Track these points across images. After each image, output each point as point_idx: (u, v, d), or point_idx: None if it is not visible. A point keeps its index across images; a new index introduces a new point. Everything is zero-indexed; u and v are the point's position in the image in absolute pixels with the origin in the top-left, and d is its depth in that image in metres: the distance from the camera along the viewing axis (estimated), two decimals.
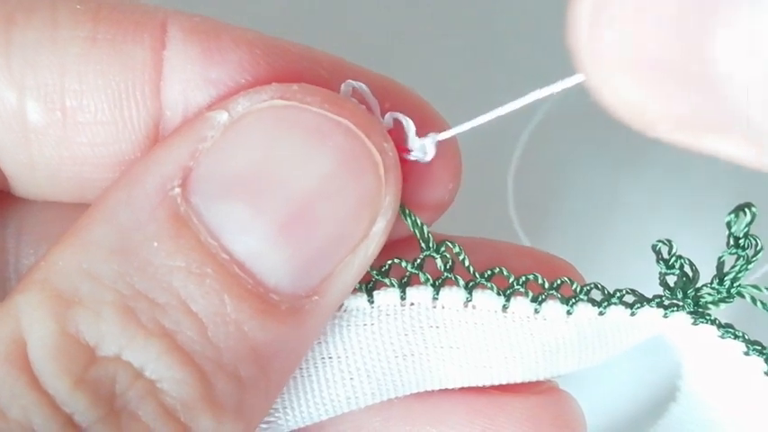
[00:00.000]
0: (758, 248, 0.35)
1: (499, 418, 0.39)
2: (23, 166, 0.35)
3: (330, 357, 0.37)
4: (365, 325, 0.37)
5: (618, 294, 0.37)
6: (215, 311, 0.32)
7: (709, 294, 0.36)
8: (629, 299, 0.37)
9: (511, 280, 0.37)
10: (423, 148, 0.36)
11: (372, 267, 0.36)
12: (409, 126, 0.35)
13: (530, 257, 0.40)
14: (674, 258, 0.36)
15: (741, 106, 0.22)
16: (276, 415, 0.38)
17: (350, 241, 0.33)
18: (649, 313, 0.37)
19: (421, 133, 0.36)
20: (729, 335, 0.38)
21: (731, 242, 0.35)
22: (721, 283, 0.36)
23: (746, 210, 0.34)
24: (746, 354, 0.38)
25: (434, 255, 0.37)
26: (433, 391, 0.39)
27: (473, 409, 0.40)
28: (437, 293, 0.37)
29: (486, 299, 0.37)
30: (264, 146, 0.32)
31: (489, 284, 0.37)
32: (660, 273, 0.37)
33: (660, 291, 0.38)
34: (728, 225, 0.35)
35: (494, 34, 0.67)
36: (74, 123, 0.34)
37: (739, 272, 0.36)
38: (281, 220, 0.32)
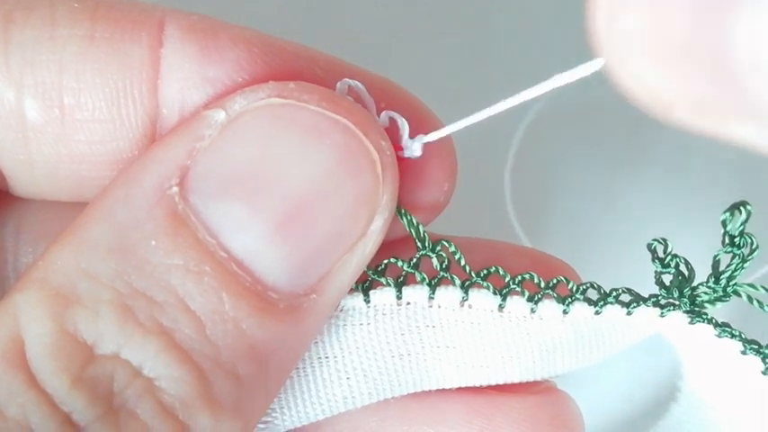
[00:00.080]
0: (754, 247, 0.35)
1: (497, 418, 0.40)
2: (22, 165, 0.36)
3: (327, 357, 0.38)
4: (361, 324, 0.38)
5: (614, 294, 0.38)
6: (213, 309, 0.32)
7: (706, 293, 0.37)
8: (626, 298, 0.38)
9: (507, 279, 0.37)
10: (412, 148, 0.36)
11: (368, 267, 0.36)
12: (403, 126, 0.36)
13: (526, 257, 0.40)
14: (669, 257, 0.36)
15: (760, 92, 0.22)
16: (273, 415, 0.38)
17: (348, 239, 0.34)
18: (646, 312, 0.38)
19: (416, 133, 0.36)
20: (726, 334, 0.38)
21: (727, 241, 0.35)
22: (717, 281, 0.36)
23: (742, 208, 0.34)
24: (744, 353, 0.38)
25: (430, 254, 0.37)
26: (430, 390, 0.40)
27: (471, 408, 0.40)
28: (433, 293, 0.37)
29: (483, 298, 0.37)
30: (262, 144, 0.33)
31: (485, 284, 0.37)
32: (656, 272, 0.37)
33: (656, 290, 0.38)
34: (724, 223, 0.35)
35: (491, 33, 0.67)
36: (72, 121, 0.35)
37: (735, 270, 0.36)
38: (278, 218, 0.33)
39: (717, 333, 0.38)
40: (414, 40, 0.67)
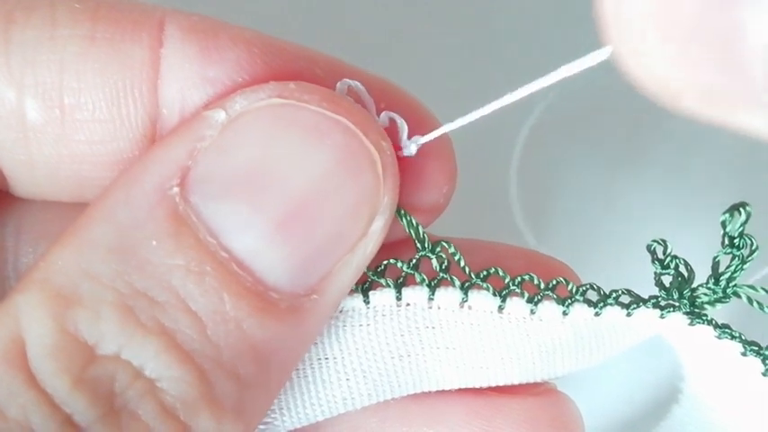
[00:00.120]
0: (753, 248, 0.36)
1: (497, 420, 0.40)
2: (23, 165, 0.36)
3: (326, 358, 0.38)
4: (361, 326, 0.38)
5: (614, 295, 0.38)
6: (214, 309, 0.32)
7: (705, 294, 0.37)
8: (626, 299, 0.38)
9: (507, 280, 0.37)
10: (410, 149, 0.36)
11: (368, 268, 0.36)
12: (402, 126, 0.36)
13: (526, 258, 0.40)
14: (668, 258, 0.36)
15: None
16: (273, 416, 0.38)
17: (348, 240, 0.34)
18: (646, 314, 0.38)
19: (415, 134, 0.36)
20: (726, 335, 0.38)
21: (726, 242, 0.35)
22: (717, 283, 0.37)
23: (741, 209, 0.34)
24: (744, 354, 0.38)
25: (430, 255, 0.37)
26: (429, 392, 0.40)
27: (470, 410, 0.40)
28: (433, 294, 0.37)
29: (482, 299, 0.37)
30: (262, 144, 0.33)
31: (485, 285, 0.37)
32: (655, 273, 0.37)
33: (656, 291, 0.38)
34: (723, 225, 0.35)
35: (491, 33, 0.67)
36: (72, 121, 0.35)
37: (735, 272, 0.36)
38: (279, 218, 0.33)
39: (717, 334, 0.38)
40: (414, 40, 0.67)
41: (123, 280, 0.32)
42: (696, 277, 0.37)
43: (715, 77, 0.22)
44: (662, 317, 0.38)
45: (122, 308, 0.32)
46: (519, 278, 0.37)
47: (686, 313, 0.38)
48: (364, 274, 0.36)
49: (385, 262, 0.37)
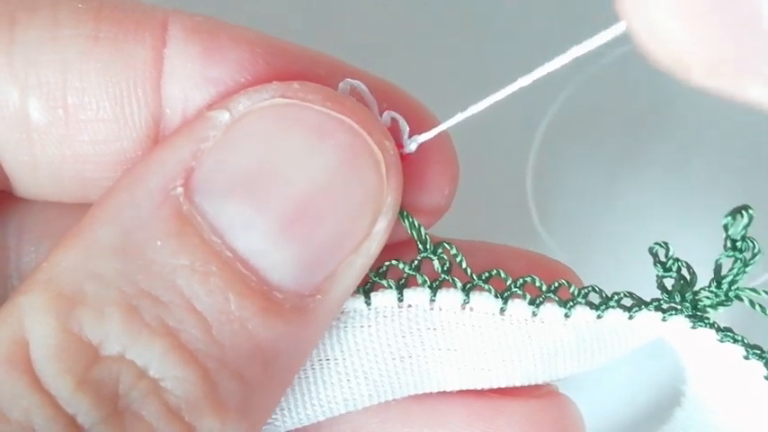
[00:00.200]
0: (755, 251, 0.36)
1: (498, 422, 0.40)
2: (26, 166, 0.36)
3: (327, 359, 0.38)
4: (362, 327, 0.38)
5: (616, 298, 0.38)
6: (219, 309, 0.32)
7: (708, 298, 0.37)
8: (628, 302, 0.38)
9: (508, 282, 0.37)
10: (410, 148, 0.36)
11: (370, 269, 0.36)
12: (404, 126, 0.36)
13: (528, 260, 0.40)
14: (671, 261, 0.36)
15: None
16: (274, 416, 0.38)
17: (352, 239, 0.34)
18: (648, 317, 0.38)
19: (416, 134, 0.36)
20: (729, 339, 0.38)
21: (728, 245, 0.36)
22: (719, 286, 0.37)
23: (744, 212, 0.34)
24: (746, 358, 0.38)
25: (432, 256, 0.37)
26: (431, 393, 0.40)
27: (472, 411, 0.40)
28: (434, 295, 0.37)
29: (484, 301, 0.38)
30: (266, 144, 0.33)
31: (487, 287, 0.37)
32: (657, 276, 0.37)
33: (657, 291, 0.38)
34: (725, 227, 0.35)
35: (491, 33, 0.67)
36: (76, 121, 0.35)
37: (737, 275, 0.36)
38: (283, 217, 0.33)
39: (719, 338, 0.38)
40: (414, 40, 0.67)
41: (128, 280, 0.32)
42: (698, 279, 0.37)
43: (728, 50, 0.23)
44: (664, 320, 0.38)
45: (127, 308, 0.32)
46: (521, 280, 0.37)
47: (688, 316, 0.38)
48: (366, 275, 0.36)
49: (387, 263, 0.37)
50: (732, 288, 0.36)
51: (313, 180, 0.33)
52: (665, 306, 0.38)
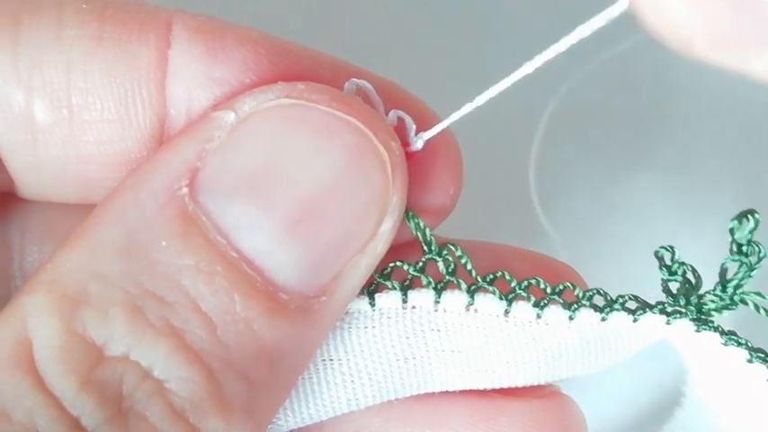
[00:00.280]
0: (761, 255, 0.36)
1: (500, 422, 0.40)
2: (30, 167, 0.36)
3: (331, 360, 0.38)
4: (366, 328, 0.38)
5: (620, 300, 0.38)
6: (224, 310, 0.32)
7: (712, 301, 0.37)
8: (632, 305, 0.38)
9: (513, 284, 0.38)
10: (416, 145, 0.36)
11: (374, 270, 0.36)
12: (411, 125, 0.36)
13: (532, 262, 0.40)
14: (676, 265, 0.37)
15: None
16: (277, 416, 0.38)
17: (358, 240, 0.34)
18: (652, 320, 0.38)
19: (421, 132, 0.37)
20: (732, 342, 0.38)
21: (734, 249, 0.36)
22: (724, 290, 0.37)
23: (750, 216, 0.35)
24: (750, 361, 0.39)
25: (436, 258, 0.37)
26: (433, 393, 0.40)
27: (474, 411, 0.40)
28: (439, 297, 0.38)
29: (488, 303, 0.38)
30: (272, 144, 0.33)
31: (491, 288, 0.38)
32: (662, 279, 0.37)
33: (658, 291, 0.38)
34: (731, 231, 0.35)
35: (491, 33, 0.67)
36: (80, 121, 0.35)
37: (742, 279, 0.36)
38: (289, 218, 0.33)
39: (723, 341, 0.38)
40: (414, 40, 0.67)
41: (132, 280, 0.32)
42: (702, 282, 0.38)
43: (730, 22, 0.22)
44: (668, 323, 0.38)
45: (131, 308, 0.32)
46: (525, 282, 0.38)
47: (693, 320, 0.38)
48: (370, 276, 0.36)
49: (391, 264, 0.37)
50: (737, 292, 0.37)
51: (319, 180, 0.33)
52: (669, 309, 0.38)
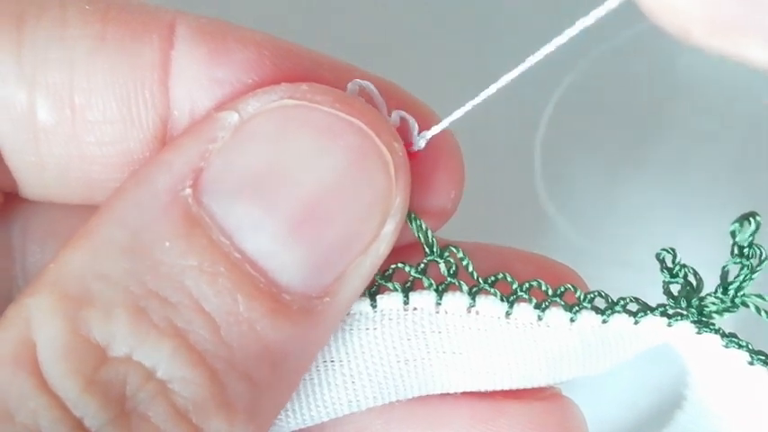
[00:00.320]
0: (762, 258, 0.36)
1: (501, 423, 0.40)
2: (32, 167, 0.36)
3: (332, 361, 0.38)
4: (368, 329, 0.38)
5: (621, 303, 0.38)
6: (228, 310, 0.32)
7: (714, 304, 0.37)
8: (633, 307, 0.38)
9: (514, 286, 0.38)
10: (418, 144, 0.37)
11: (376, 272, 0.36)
12: (413, 125, 0.36)
13: (534, 264, 0.41)
14: (677, 267, 0.37)
15: None
16: (278, 417, 0.38)
17: (361, 241, 0.34)
18: (653, 322, 0.38)
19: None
20: (733, 344, 0.38)
21: (735, 251, 0.36)
22: (725, 292, 0.37)
23: (751, 219, 0.35)
24: (751, 363, 0.39)
25: (438, 260, 0.38)
26: (434, 394, 0.40)
27: (475, 413, 0.40)
28: (440, 298, 0.38)
29: (490, 305, 0.38)
30: (275, 145, 0.33)
31: (493, 290, 0.38)
32: (664, 281, 0.37)
33: (659, 293, 0.38)
34: (733, 234, 0.35)
35: (491, 33, 0.67)
36: (83, 122, 0.35)
37: (743, 281, 0.36)
38: (292, 219, 0.33)
39: (724, 343, 0.38)
40: (414, 40, 0.67)
41: (136, 281, 0.32)
42: (704, 284, 0.38)
43: (728, 8, 0.23)
44: (669, 325, 0.38)
45: (135, 309, 0.32)
46: (527, 284, 0.38)
47: (694, 322, 0.38)
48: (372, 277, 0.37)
49: (393, 266, 0.37)
50: (738, 294, 0.37)
51: (322, 181, 0.33)
52: (670, 311, 0.38)
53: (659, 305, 0.38)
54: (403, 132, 0.36)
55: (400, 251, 0.37)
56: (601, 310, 0.38)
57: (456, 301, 0.38)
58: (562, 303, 0.38)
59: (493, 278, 0.38)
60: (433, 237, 0.37)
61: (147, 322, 0.32)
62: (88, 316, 0.32)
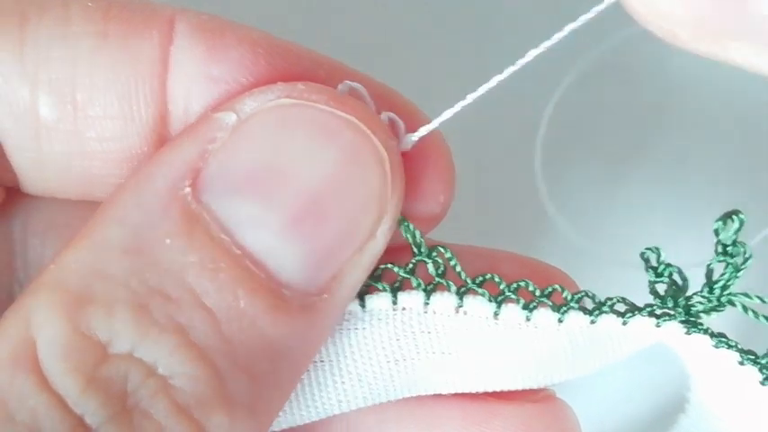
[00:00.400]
0: (747, 256, 0.36)
1: (493, 425, 0.40)
2: (33, 162, 0.37)
3: (321, 361, 0.39)
4: (357, 329, 0.38)
5: (609, 303, 0.38)
6: (228, 306, 0.33)
7: (700, 303, 0.37)
8: (621, 308, 0.38)
9: (502, 287, 0.38)
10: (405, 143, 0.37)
11: None
12: (402, 127, 0.37)
13: (522, 265, 0.41)
14: (662, 266, 0.37)
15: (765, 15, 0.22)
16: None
17: (358, 238, 0.35)
18: (641, 322, 0.38)
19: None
20: (723, 344, 0.38)
21: (719, 249, 0.36)
22: (711, 291, 0.37)
23: (734, 217, 0.35)
24: (741, 363, 0.39)
25: (426, 260, 0.38)
26: (426, 396, 0.40)
27: (467, 414, 0.41)
28: (428, 298, 0.38)
29: (478, 305, 0.38)
30: (273, 143, 0.34)
31: (481, 291, 0.38)
32: (650, 281, 0.37)
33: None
34: (716, 232, 0.35)
35: (491, 33, 0.68)
36: (84, 117, 0.36)
37: (729, 280, 0.36)
38: (291, 215, 0.34)
39: (714, 344, 0.38)
40: (414, 40, 0.68)
41: (137, 278, 0.32)
42: (698, 281, 0.38)
43: (709, 13, 0.23)
44: (658, 326, 0.38)
45: (136, 306, 0.32)
46: (514, 284, 0.38)
47: (682, 322, 0.38)
48: None
49: (382, 266, 0.38)
50: (724, 293, 0.37)
51: (319, 178, 0.34)
52: (658, 312, 0.38)
53: (647, 305, 0.38)
54: (392, 134, 0.37)
55: (389, 253, 0.38)
56: (588, 310, 0.38)
57: (444, 301, 0.38)
58: (550, 304, 0.38)
59: (481, 278, 0.38)
60: (421, 237, 0.38)
61: (149, 319, 0.32)
62: (89, 313, 0.32)
